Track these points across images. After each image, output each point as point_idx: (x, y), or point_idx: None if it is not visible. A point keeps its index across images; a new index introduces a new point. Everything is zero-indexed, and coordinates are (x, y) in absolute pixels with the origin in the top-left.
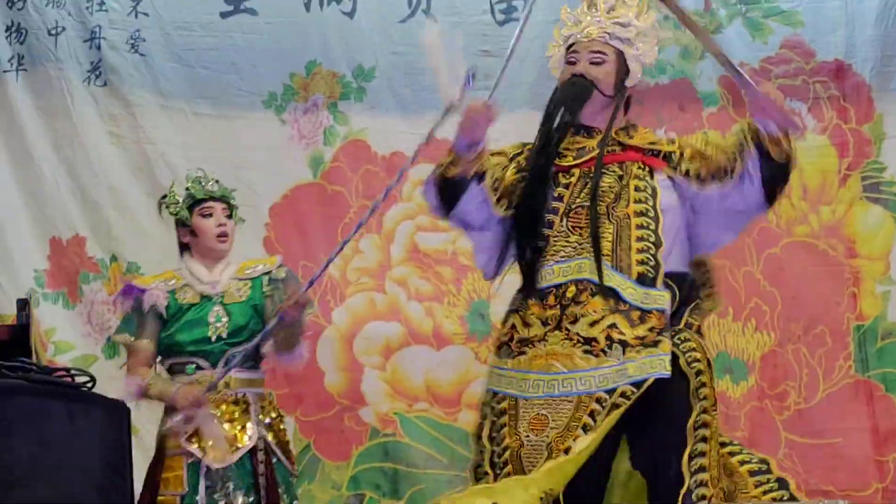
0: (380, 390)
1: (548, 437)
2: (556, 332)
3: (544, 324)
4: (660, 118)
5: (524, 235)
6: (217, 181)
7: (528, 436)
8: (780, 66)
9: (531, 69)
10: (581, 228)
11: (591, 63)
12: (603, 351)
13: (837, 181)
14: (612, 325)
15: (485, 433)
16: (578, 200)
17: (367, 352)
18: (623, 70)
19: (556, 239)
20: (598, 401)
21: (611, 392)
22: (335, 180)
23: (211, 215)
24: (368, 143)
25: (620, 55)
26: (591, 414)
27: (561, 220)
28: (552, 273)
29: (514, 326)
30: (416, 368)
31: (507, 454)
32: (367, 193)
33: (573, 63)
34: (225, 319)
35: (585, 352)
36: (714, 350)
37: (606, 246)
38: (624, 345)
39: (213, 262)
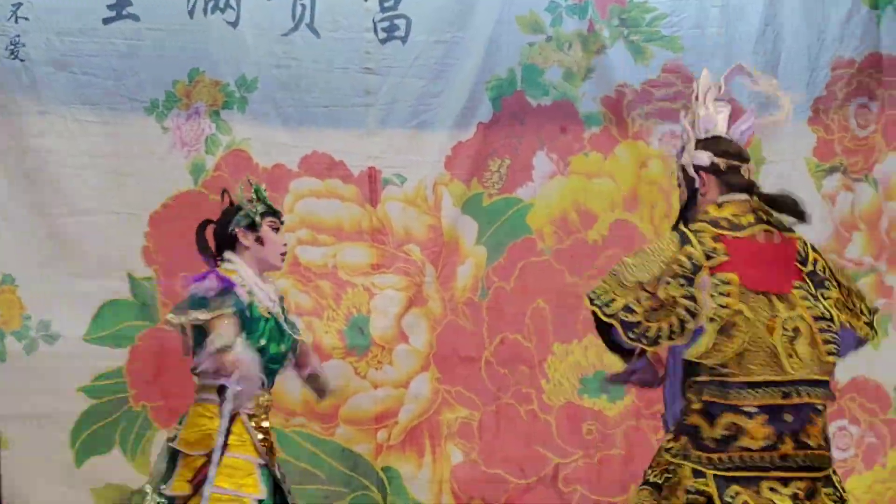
0: None
1: None
2: None
3: None
4: (540, 139)
5: None
6: None
7: None
8: (661, 88)
9: (413, 87)
10: None
11: None
12: None
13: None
14: None
15: None
16: None
17: None
18: None
19: None
20: None
21: None
22: (216, 189)
23: (278, 230)
24: (250, 154)
25: None
26: None
27: None
28: None
29: None
30: (294, 383)
31: None
32: None
33: None
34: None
35: None
36: (591, 369)
37: None
38: None
39: (260, 273)
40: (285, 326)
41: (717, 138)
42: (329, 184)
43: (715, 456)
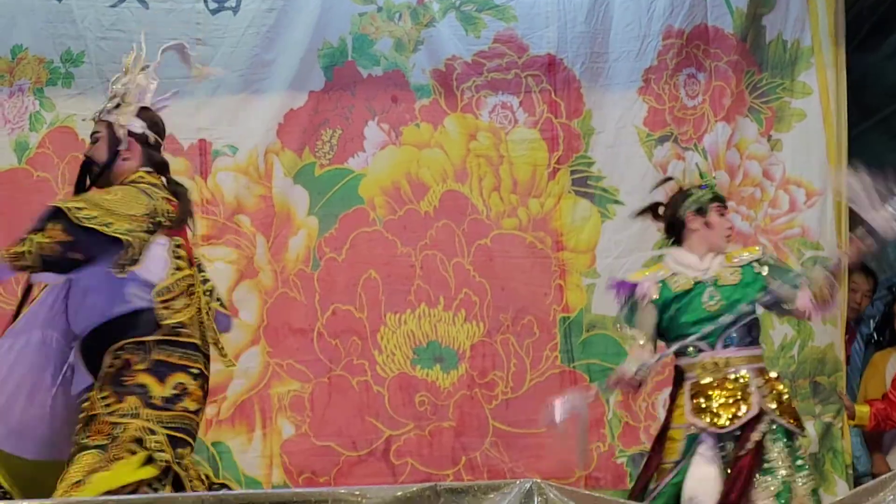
0: None
1: None
2: None
3: None
4: (371, 109)
5: None
6: None
7: None
8: (493, 59)
9: (244, 56)
10: None
11: None
12: None
13: (547, 175)
14: None
15: None
16: None
17: None
18: None
19: None
20: None
21: None
22: (41, 167)
23: (723, 215)
24: (76, 130)
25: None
26: None
27: None
28: None
29: None
30: None
31: None
32: (74, 180)
33: None
34: (717, 297)
35: None
36: (425, 339)
37: None
38: None
39: (705, 252)
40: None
41: (149, 110)
42: None
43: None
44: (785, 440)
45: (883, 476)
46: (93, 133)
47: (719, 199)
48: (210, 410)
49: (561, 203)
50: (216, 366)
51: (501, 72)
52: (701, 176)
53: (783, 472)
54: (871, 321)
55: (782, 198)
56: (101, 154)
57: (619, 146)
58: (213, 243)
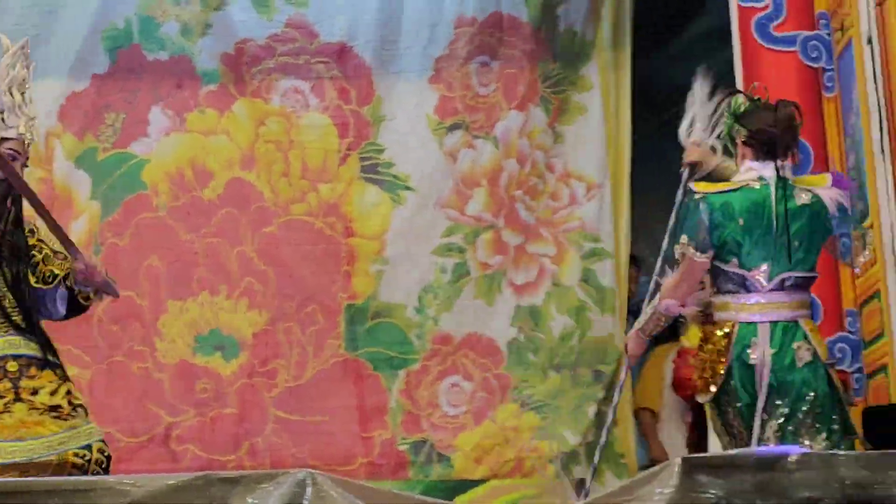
0: None
1: None
2: None
3: None
4: (157, 95)
5: None
6: None
7: None
8: (285, 44)
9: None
10: None
11: None
12: None
13: (338, 160)
14: None
15: None
16: None
17: None
18: None
19: None
20: None
21: None
22: None
23: None
24: None
25: None
26: None
27: None
28: None
29: None
30: None
31: None
32: None
33: None
34: None
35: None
36: (206, 327)
37: None
38: None
39: None
40: None
41: None
42: None
43: None
44: None
45: (654, 468)
46: None
47: None
48: None
49: (351, 189)
50: None
51: (292, 56)
52: None
53: None
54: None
55: (563, 190)
56: None
57: (411, 134)
58: None
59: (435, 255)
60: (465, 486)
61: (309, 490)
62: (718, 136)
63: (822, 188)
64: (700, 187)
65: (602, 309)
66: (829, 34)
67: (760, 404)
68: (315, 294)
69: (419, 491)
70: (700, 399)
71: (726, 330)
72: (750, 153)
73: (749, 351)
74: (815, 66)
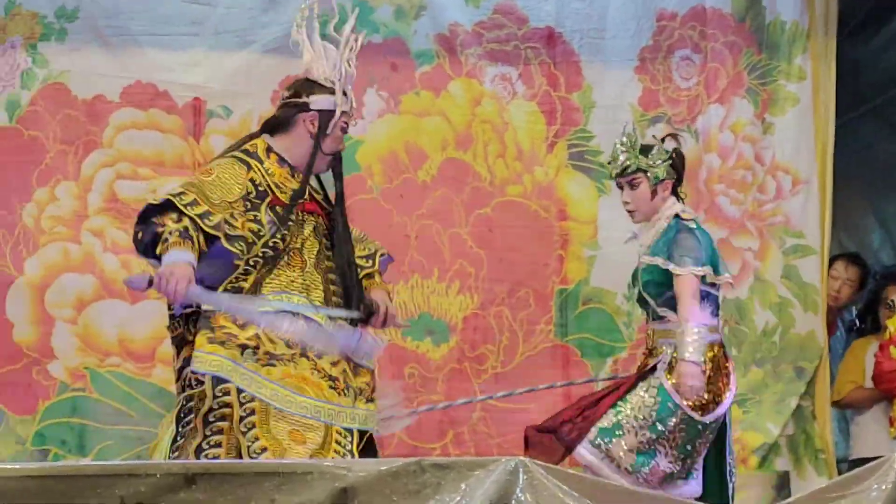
0: (70, 344)
1: None
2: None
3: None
4: (371, 77)
5: None
6: None
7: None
8: (492, 30)
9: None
10: None
11: None
12: None
13: (545, 147)
14: None
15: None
16: None
17: (58, 304)
18: None
19: None
20: None
21: None
22: (32, 125)
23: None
24: (69, 87)
25: None
26: None
27: None
28: None
29: None
30: (108, 322)
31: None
32: (66, 138)
33: None
34: None
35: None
36: (416, 311)
37: None
38: None
39: None
40: None
41: None
42: (151, 114)
43: None
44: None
45: (872, 463)
46: None
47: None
48: None
49: (559, 176)
50: None
51: (501, 43)
52: None
53: (626, 411)
54: (854, 308)
55: (770, 183)
56: None
57: (616, 123)
58: None
59: None
60: None
61: (522, 478)
62: None
63: None
64: None
65: (805, 306)
66: None
67: None
68: (527, 278)
69: None
70: None
71: None
72: None
73: None
74: None
